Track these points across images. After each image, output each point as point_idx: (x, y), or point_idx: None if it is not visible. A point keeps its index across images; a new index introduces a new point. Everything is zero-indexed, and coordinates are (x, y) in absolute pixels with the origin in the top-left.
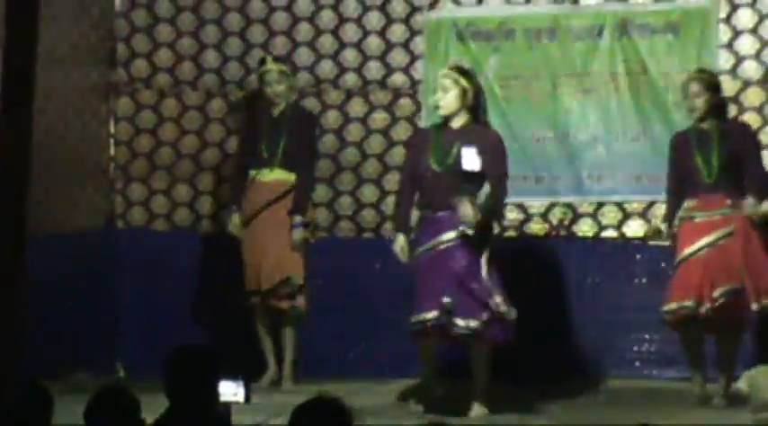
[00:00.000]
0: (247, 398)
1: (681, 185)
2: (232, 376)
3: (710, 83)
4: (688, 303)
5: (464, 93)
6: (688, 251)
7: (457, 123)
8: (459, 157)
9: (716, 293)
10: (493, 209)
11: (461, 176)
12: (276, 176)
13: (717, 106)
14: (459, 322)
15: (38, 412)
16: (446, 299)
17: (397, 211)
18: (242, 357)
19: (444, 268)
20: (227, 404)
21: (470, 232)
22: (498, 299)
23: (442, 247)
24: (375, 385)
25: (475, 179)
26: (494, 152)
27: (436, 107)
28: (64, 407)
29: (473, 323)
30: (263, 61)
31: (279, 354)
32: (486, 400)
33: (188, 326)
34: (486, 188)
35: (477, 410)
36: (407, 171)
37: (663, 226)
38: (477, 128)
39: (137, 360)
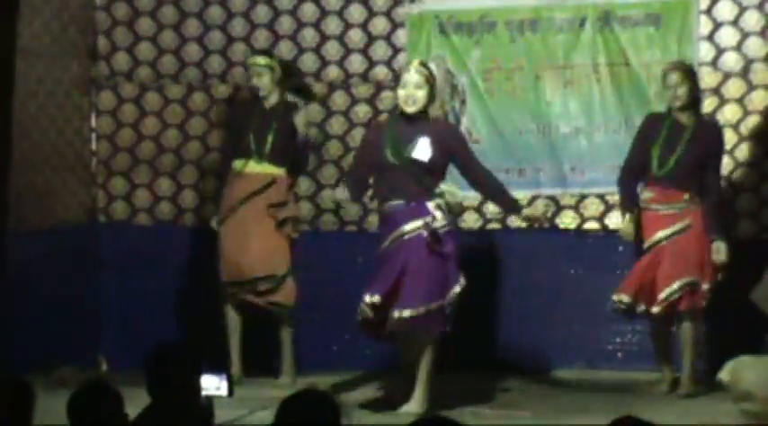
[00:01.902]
0: (230, 392)
1: (633, 171)
2: (215, 370)
3: (690, 73)
4: (625, 298)
5: (432, 90)
6: (647, 243)
7: (416, 116)
8: (412, 148)
9: (664, 293)
10: (507, 199)
11: (417, 168)
12: (262, 169)
13: (696, 99)
14: (395, 313)
15: (20, 406)
16: (375, 298)
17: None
18: (224, 351)
19: (394, 260)
20: (210, 398)
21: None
22: (436, 303)
23: (400, 240)
24: (360, 378)
25: (430, 171)
26: (460, 142)
27: (406, 102)
28: (46, 402)
29: (406, 313)
30: (252, 54)
31: (243, 351)
32: (426, 396)
33: (170, 320)
34: (448, 186)
35: (411, 406)
36: (357, 161)
37: (624, 220)
38: (433, 119)
39: (119, 354)
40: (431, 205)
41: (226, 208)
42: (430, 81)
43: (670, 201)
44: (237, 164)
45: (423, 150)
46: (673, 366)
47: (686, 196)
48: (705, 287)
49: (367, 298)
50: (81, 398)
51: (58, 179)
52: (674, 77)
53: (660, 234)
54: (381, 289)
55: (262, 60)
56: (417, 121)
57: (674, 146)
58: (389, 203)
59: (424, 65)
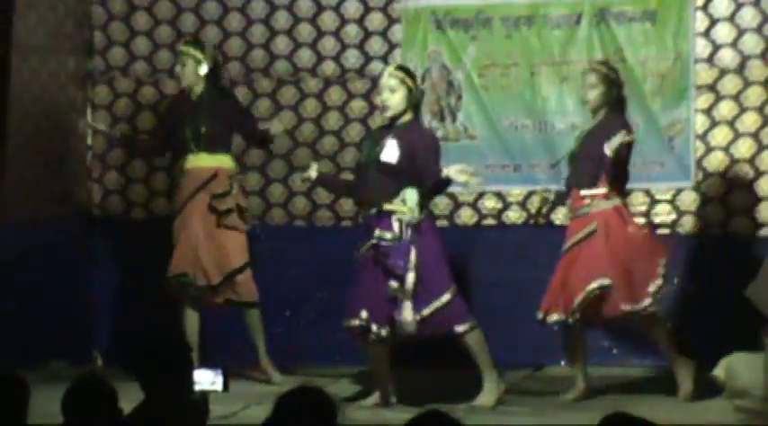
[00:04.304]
0: (225, 387)
1: None
2: (210, 364)
3: (608, 76)
4: (555, 317)
5: (410, 92)
6: (562, 250)
7: (399, 122)
8: (381, 151)
9: (577, 301)
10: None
11: (382, 170)
12: (201, 162)
13: (617, 102)
14: (374, 328)
15: (14, 402)
16: (363, 314)
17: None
18: (219, 345)
19: (372, 272)
20: (205, 393)
21: (389, 235)
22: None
23: (373, 249)
24: (355, 375)
25: (395, 174)
26: (427, 152)
27: (383, 106)
28: (41, 397)
29: (383, 331)
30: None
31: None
32: (494, 386)
33: (165, 315)
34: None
35: (482, 398)
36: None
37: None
38: (416, 126)
39: (114, 350)
40: (393, 218)
41: (177, 204)
42: (407, 82)
43: (574, 206)
44: (181, 161)
45: (390, 152)
46: (586, 375)
47: (587, 201)
48: (651, 289)
49: (353, 322)
50: (75, 394)
51: (54, 173)
52: (589, 79)
53: (570, 241)
54: (365, 305)
55: (189, 49)
56: (394, 126)
57: (573, 151)
58: (365, 211)
59: (400, 68)
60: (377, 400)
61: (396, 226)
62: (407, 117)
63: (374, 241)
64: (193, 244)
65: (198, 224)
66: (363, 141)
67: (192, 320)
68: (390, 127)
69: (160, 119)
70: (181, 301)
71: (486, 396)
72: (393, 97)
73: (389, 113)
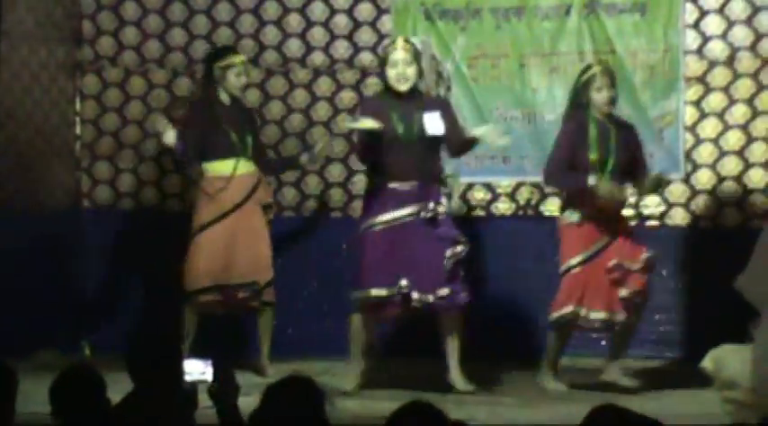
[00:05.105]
0: (215, 378)
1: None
2: (200, 355)
3: (614, 77)
4: (603, 315)
5: (419, 65)
6: (590, 251)
7: (411, 94)
8: (422, 124)
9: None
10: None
11: (427, 143)
12: (247, 169)
13: None
14: (415, 296)
15: (2, 391)
16: (404, 282)
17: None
18: (209, 335)
19: (405, 244)
20: (195, 384)
21: (442, 214)
22: (448, 288)
23: (401, 222)
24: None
25: (436, 145)
26: (452, 117)
27: (399, 81)
28: (29, 386)
29: (430, 298)
30: (225, 51)
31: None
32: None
33: (154, 305)
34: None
35: (464, 384)
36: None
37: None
38: (430, 97)
39: (103, 340)
40: (441, 190)
41: (221, 209)
42: (417, 57)
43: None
44: (226, 165)
45: (435, 125)
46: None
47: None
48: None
49: (374, 292)
50: (64, 383)
51: (42, 163)
52: (605, 80)
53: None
54: (391, 281)
55: (244, 59)
56: (414, 99)
57: (607, 152)
58: (397, 182)
59: (408, 41)
60: (355, 381)
61: (444, 199)
62: (417, 90)
63: (430, 214)
64: (254, 250)
65: (254, 228)
66: (373, 110)
67: (191, 315)
68: (407, 101)
69: (194, 127)
70: (190, 308)
71: (465, 381)
72: (410, 69)
73: (406, 86)
